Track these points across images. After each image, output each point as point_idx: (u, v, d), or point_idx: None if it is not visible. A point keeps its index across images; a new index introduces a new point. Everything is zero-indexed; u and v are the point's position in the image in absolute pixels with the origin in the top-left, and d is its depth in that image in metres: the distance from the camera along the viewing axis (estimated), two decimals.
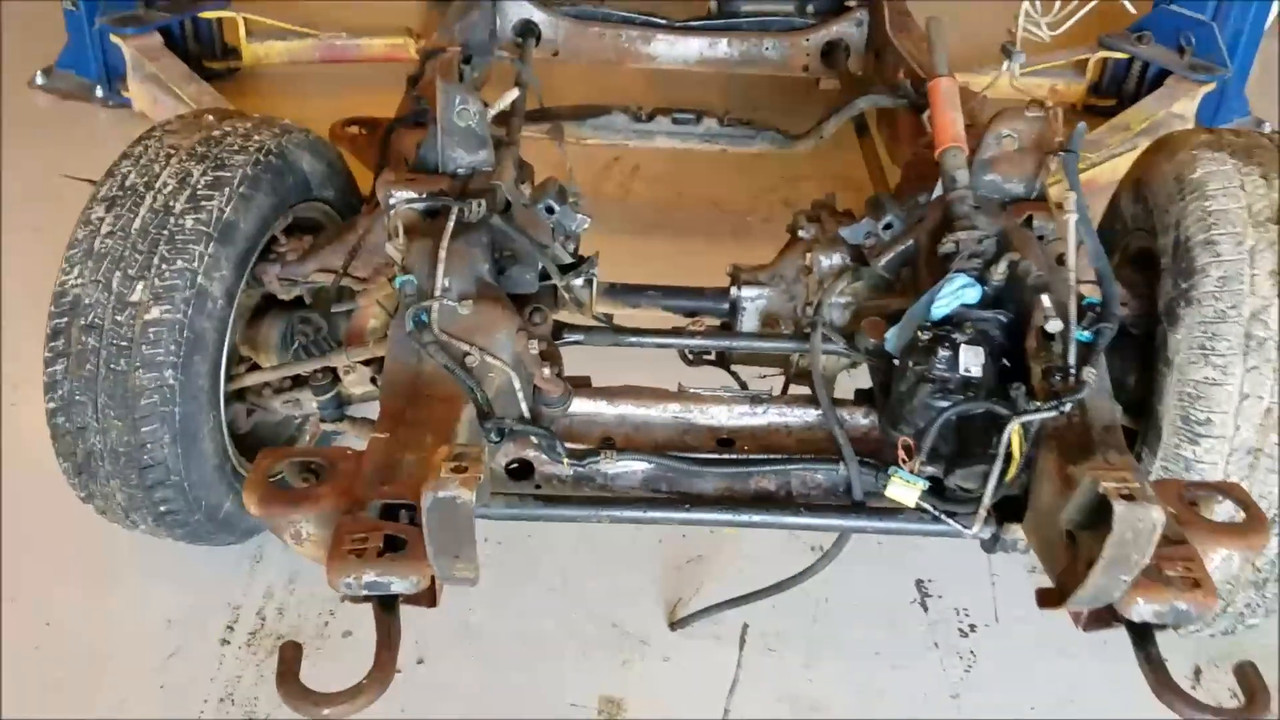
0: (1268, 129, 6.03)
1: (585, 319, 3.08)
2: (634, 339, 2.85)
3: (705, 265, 5.11)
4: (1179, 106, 5.75)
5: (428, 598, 2.01)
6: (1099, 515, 1.98)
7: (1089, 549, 2.04)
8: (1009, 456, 2.31)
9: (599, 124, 4.42)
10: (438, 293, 2.44)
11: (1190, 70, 5.84)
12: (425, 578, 1.92)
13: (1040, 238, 2.81)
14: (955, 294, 2.55)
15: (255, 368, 3.15)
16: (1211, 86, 5.83)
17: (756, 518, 2.57)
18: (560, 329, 2.82)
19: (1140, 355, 2.88)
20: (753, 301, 3.10)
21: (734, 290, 3.10)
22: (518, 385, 2.43)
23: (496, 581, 3.25)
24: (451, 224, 2.56)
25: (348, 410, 2.97)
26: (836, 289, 2.90)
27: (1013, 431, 2.29)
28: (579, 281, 2.96)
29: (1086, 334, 2.43)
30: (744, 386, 3.08)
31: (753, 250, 5.44)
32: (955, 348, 2.43)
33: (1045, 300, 2.41)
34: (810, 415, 2.78)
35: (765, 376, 3.10)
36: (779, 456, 2.68)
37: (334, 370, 2.92)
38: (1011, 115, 2.87)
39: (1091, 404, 2.34)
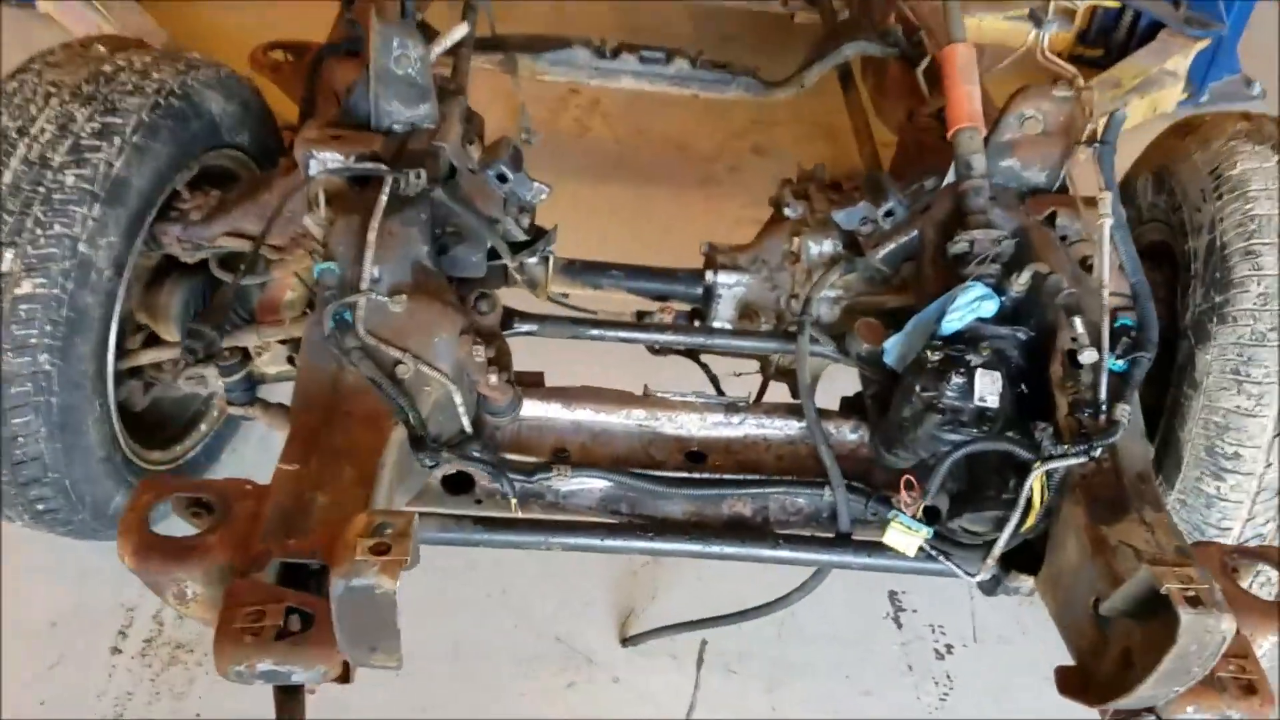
0: (1257, 90, 5.73)
1: (540, 300, 2.71)
2: (595, 331, 2.48)
3: (667, 217, 4.70)
4: (1172, 63, 5.42)
5: (339, 677, 1.65)
6: (1148, 608, 1.66)
7: (1127, 637, 1.74)
8: (1028, 504, 1.99)
9: (557, 58, 3.97)
10: (365, 285, 2.05)
11: (1185, 24, 5.48)
12: (335, 666, 1.56)
13: (1063, 238, 2.47)
14: (970, 306, 2.21)
15: (154, 339, 2.74)
16: (1206, 43, 5.50)
17: (729, 549, 2.24)
18: (510, 317, 2.43)
19: (1156, 368, 2.55)
20: (730, 289, 2.73)
21: (709, 275, 2.73)
22: (459, 400, 2.05)
23: (426, 585, 2.88)
24: (384, 198, 2.15)
25: (260, 393, 2.57)
26: (827, 282, 2.54)
27: (1036, 479, 1.96)
28: (534, 259, 2.57)
29: (1119, 363, 2.10)
30: (716, 383, 2.73)
31: (720, 205, 5.12)
32: (970, 373, 2.09)
33: (1078, 325, 2.07)
34: (792, 427, 2.44)
35: (741, 374, 2.75)
36: (756, 478, 2.34)
37: (245, 348, 2.52)
38: (1036, 93, 2.50)
39: (1123, 447, 2.03)
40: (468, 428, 2.11)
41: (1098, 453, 1.98)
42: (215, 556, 1.69)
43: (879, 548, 2.22)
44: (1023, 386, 2.18)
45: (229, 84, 2.66)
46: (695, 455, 2.41)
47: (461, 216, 2.33)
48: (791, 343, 2.47)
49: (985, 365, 2.11)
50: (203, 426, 2.98)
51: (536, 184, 2.58)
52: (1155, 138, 2.91)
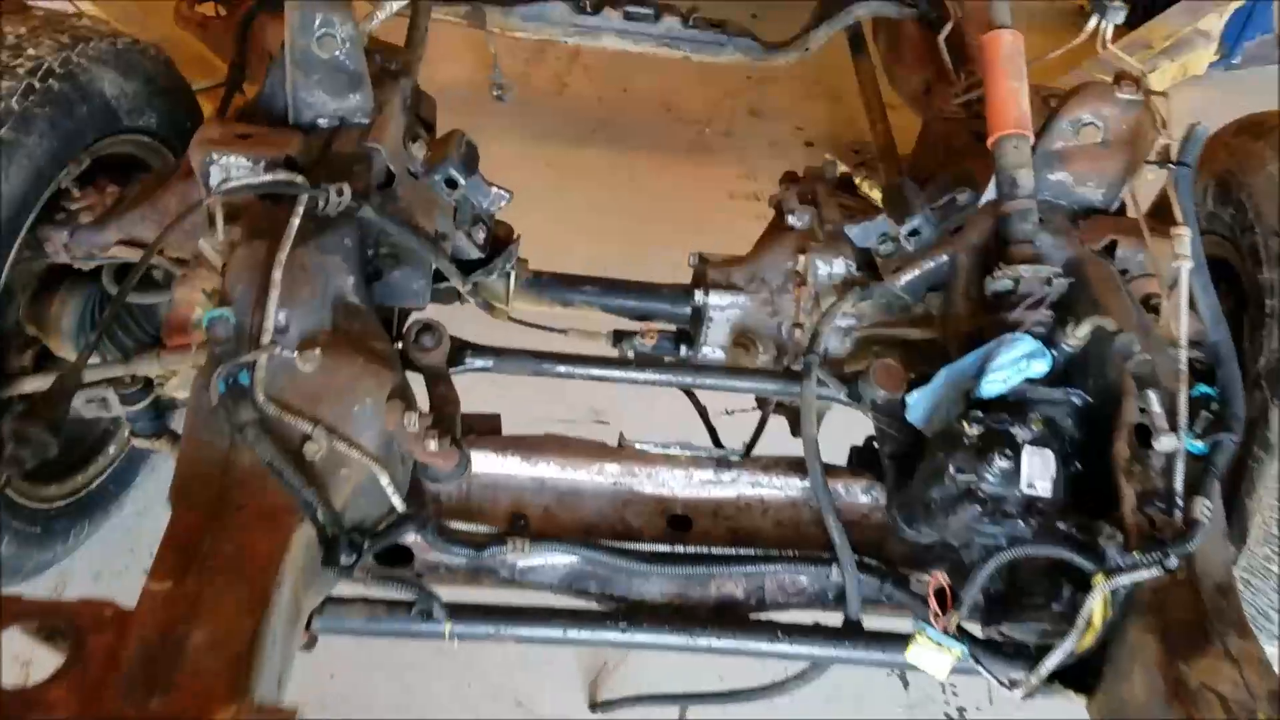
0: None
1: (500, 320, 2.30)
2: (562, 368, 2.07)
3: (653, 188, 4.28)
4: (1205, 22, 5.00)
5: None
6: None
7: None
8: (1087, 622, 1.62)
9: (530, 13, 3.53)
10: (266, 338, 1.63)
11: None
12: None
13: (1123, 271, 2.06)
14: (1016, 365, 1.81)
15: (46, 355, 2.33)
16: (1242, 0, 5.07)
17: (718, 642, 1.87)
18: (461, 351, 2.02)
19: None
20: (722, 311, 2.32)
21: (698, 295, 2.32)
22: (385, 481, 1.65)
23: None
24: (296, 222, 1.73)
25: (170, 420, 2.17)
26: (838, 313, 2.13)
27: (1098, 599, 1.58)
28: (491, 277, 2.16)
29: (1199, 444, 1.72)
30: (705, 416, 2.33)
31: (712, 174, 4.67)
32: (1016, 453, 1.70)
33: (1154, 403, 1.68)
34: (794, 486, 2.06)
35: (733, 413, 2.34)
36: (750, 554, 1.96)
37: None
38: (1096, 94, 2.08)
39: (1202, 552, 1.65)
40: (399, 506, 1.71)
41: (1174, 562, 1.60)
42: (56, 712, 1.30)
43: (895, 640, 1.86)
44: (1077, 465, 1.79)
45: (127, 57, 2.21)
46: (679, 520, 2.03)
47: (398, 236, 1.91)
48: (794, 383, 2.07)
49: (1035, 442, 1.73)
50: (111, 449, 2.58)
51: (495, 189, 2.16)
52: (1220, 132, 2.49)
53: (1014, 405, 1.82)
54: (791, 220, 2.37)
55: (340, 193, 1.79)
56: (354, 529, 1.64)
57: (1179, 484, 1.67)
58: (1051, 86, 2.58)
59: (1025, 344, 1.82)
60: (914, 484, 1.86)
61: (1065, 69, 3.68)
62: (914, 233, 2.16)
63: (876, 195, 3.84)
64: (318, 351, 1.65)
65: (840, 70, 3.88)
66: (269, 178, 1.84)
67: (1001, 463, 1.69)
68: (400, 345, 1.92)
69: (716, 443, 2.35)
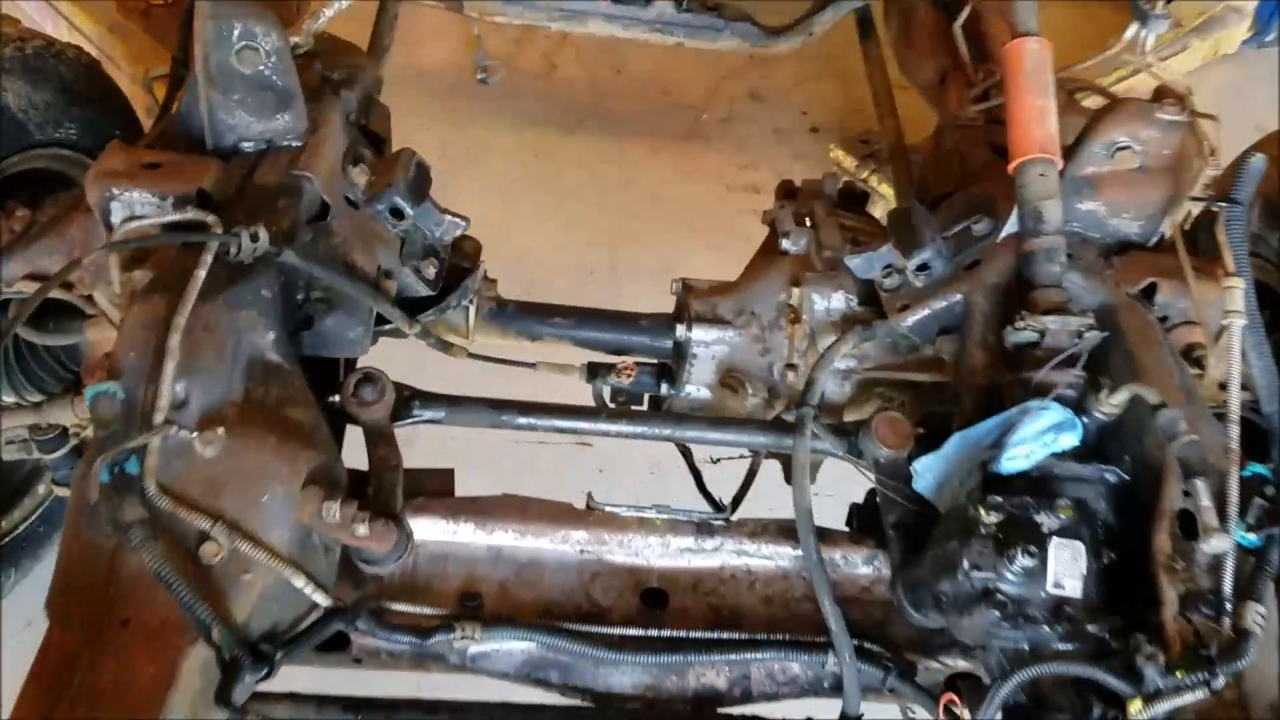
0: None
1: (457, 357, 2.05)
2: (524, 419, 1.83)
3: (647, 180, 3.99)
4: None
5: None
6: None
7: None
8: None
9: None
10: (160, 417, 1.39)
11: None
12: None
13: (1163, 318, 1.81)
14: (1041, 439, 1.56)
15: None
16: None
17: None
18: (408, 401, 1.78)
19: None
20: (707, 348, 2.07)
21: (680, 330, 2.07)
22: (301, 583, 1.41)
23: None
24: (201, 274, 1.48)
25: None
26: (836, 357, 1.88)
27: None
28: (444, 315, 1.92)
29: (1250, 538, 1.47)
30: (694, 470, 2.09)
31: (710, 164, 4.32)
32: (1042, 547, 1.46)
33: (1203, 495, 1.43)
34: (786, 555, 1.84)
35: (719, 460, 2.10)
36: (734, 638, 1.73)
37: None
38: (1133, 114, 1.82)
39: (1254, 671, 1.41)
40: (322, 602, 1.48)
41: (1220, 682, 1.36)
42: None
43: None
44: (1111, 555, 1.55)
45: (36, 64, 1.96)
46: (654, 595, 1.81)
47: (328, 280, 1.66)
48: (787, 435, 1.83)
49: (1063, 532, 1.48)
50: (40, 489, 2.35)
51: (449, 218, 1.91)
52: (1265, 143, 2.23)
53: (1038, 483, 1.57)
54: (785, 244, 2.11)
55: (255, 237, 1.54)
56: (265, 638, 1.40)
57: (1228, 586, 1.43)
58: (1081, 80, 2.31)
59: (1052, 414, 1.57)
60: (922, 567, 1.62)
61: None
62: (923, 267, 1.90)
63: (887, 190, 3.57)
64: (221, 431, 1.40)
65: (849, 48, 3.57)
66: (174, 218, 1.59)
67: (1024, 560, 1.44)
68: (339, 398, 1.68)
69: (706, 495, 2.12)
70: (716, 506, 2.11)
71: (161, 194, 1.63)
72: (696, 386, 2.12)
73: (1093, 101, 2.32)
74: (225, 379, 1.48)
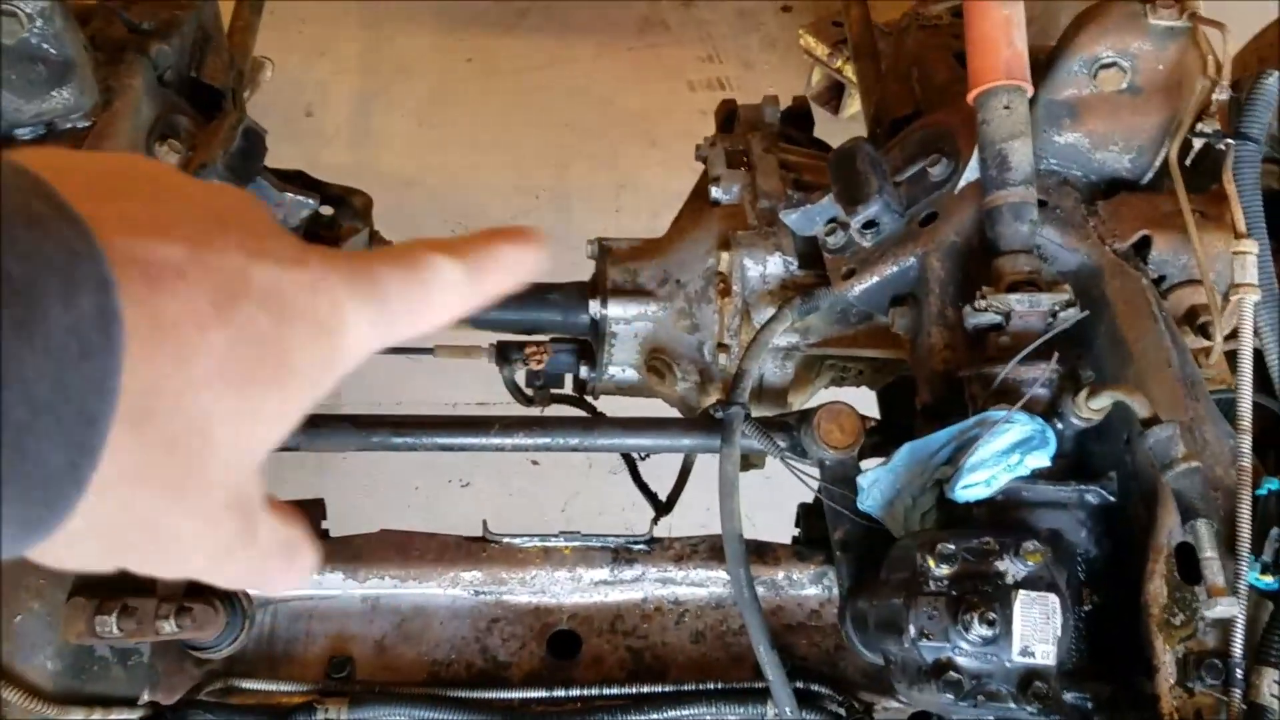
0: None
1: None
2: (400, 438, 1.54)
3: (595, 88, 3.58)
4: None
5: None
6: None
7: None
8: None
9: None
10: None
11: None
12: None
13: (1159, 279, 1.47)
14: (1003, 460, 1.26)
15: None
16: None
17: None
18: None
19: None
20: (628, 325, 1.76)
21: (594, 306, 1.75)
22: (80, 716, 1.14)
23: None
24: None
25: None
26: (770, 339, 1.57)
27: None
28: None
29: (1268, 580, 1.18)
30: (633, 467, 1.81)
31: (669, 62, 3.86)
32: (1006, 604, 1.16)
33: (1205, 544, 1.13)
34: (718, 580, 1.57)
35: (646, 456, 1.80)
36: (658, 691, 1.46)
37: None
38: (1119, 20, 1.45)
39: None
40: (133, 719, 1.21)
41: None
42: None
43: None
44: (1095, 598, 1.26)
45: None
46: (563, 640, 1.54)
47: None
48: (715, 436, 1.53)
49: (1030, 583, 1.18)
50: None
51: (291, 197, 1.58)
52: (1271, 27, 1.86)
53: (1003, 512, 1.27)
54: (715, 193, 1.78)
55: None
56: None
57: (1239, 648, 1.14)
58: None
59: (1017, 429, 1.26)
60: (870, 611, 1.33)
61: None
62: (870, 224, 1.56)
63: None
64: None
65: None
66: None
67: (982, 630, 1.15)
68: None
69: (643, 489, 1.84)
70: (655, 502, 1.85)
71: None
72: (621, 368, 1.82)
73: None
74: None
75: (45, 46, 1.40)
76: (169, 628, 1.20)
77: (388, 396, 2.58)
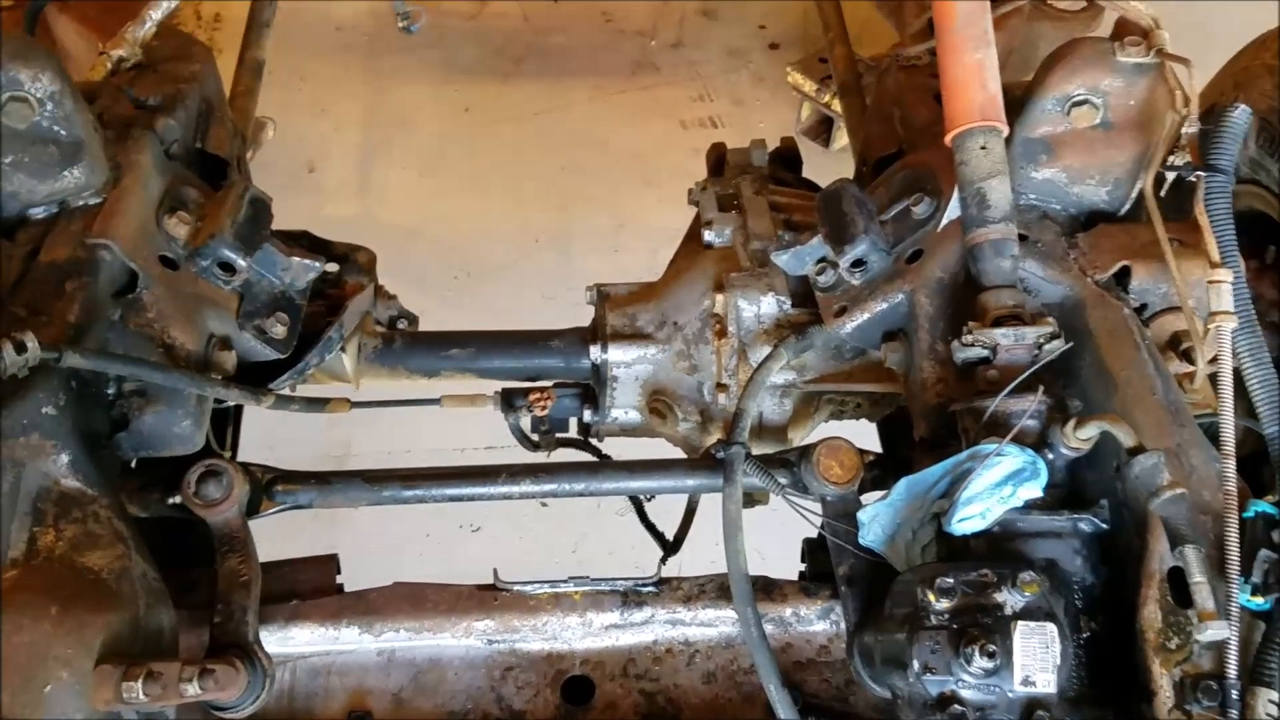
0: None
1: (340, 410, 1.79)
2: (411, 491, 1.58)
3: (592, 129, 3.61)
4: None
5: None
6: None
7: None
8: None
9: None
10: None
11: None
12: None
13: (1141, 307, 1.51)
14: (996, 493, 1.29)
15: None
16: None
17: None
18: (269, 487, 1.53)
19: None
20: (629, 368, 1.80)
21: (596, 351, 1.80)
22: None
23: None
24: None
25: None
26: (767, 377, 1.61)
27: None
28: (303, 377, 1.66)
29: (1259, 601, 1.21)
30: (639, 507, 1.85)
31: (661, 101, 3.96)
32: (1006, 636, 1.19)
33: (1194, 569, 1.17)
34: (727, 620, 1.60)
35: (651, 498, 1.83)
36: None
37: None
38: (1089, 58, 1.50)
39: None
40: None
41: None
42: None
43: None
44: (1093, 625, 1.29)
45: None
46: (577, 686, 1.57)
47: (134, 373, 1.40)
48: (717, 475, 1.56)
49: (1028, 614, 1.21)
50: None
51: (297, 261, 1.62)
52: (1258, 48, 1.91)
53: (1000, 544, 1.31)
54: (709, 236, 1.82)
55: (21, 347, 1.26)
56: None
57: (1233, 669, 1.16)
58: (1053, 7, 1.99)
59: (1009, 462, 1.29)
60: (876, 646, 1.36)
61: None
62: (858, 263, 1.60)
63: None
64: None
65: None
66: None
67: (983, 662, 1.18)
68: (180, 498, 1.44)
69: (650, 529, 1.87)
70: (662, 542, 1.88)
71: None
72: (623, 410, 1.86)
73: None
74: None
75: (56, 129, 1.45)
76: (193, 690, 1.23)
77: (398, 444, 2.62)
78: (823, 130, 3.44)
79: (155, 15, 1.83)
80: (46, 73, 1.43)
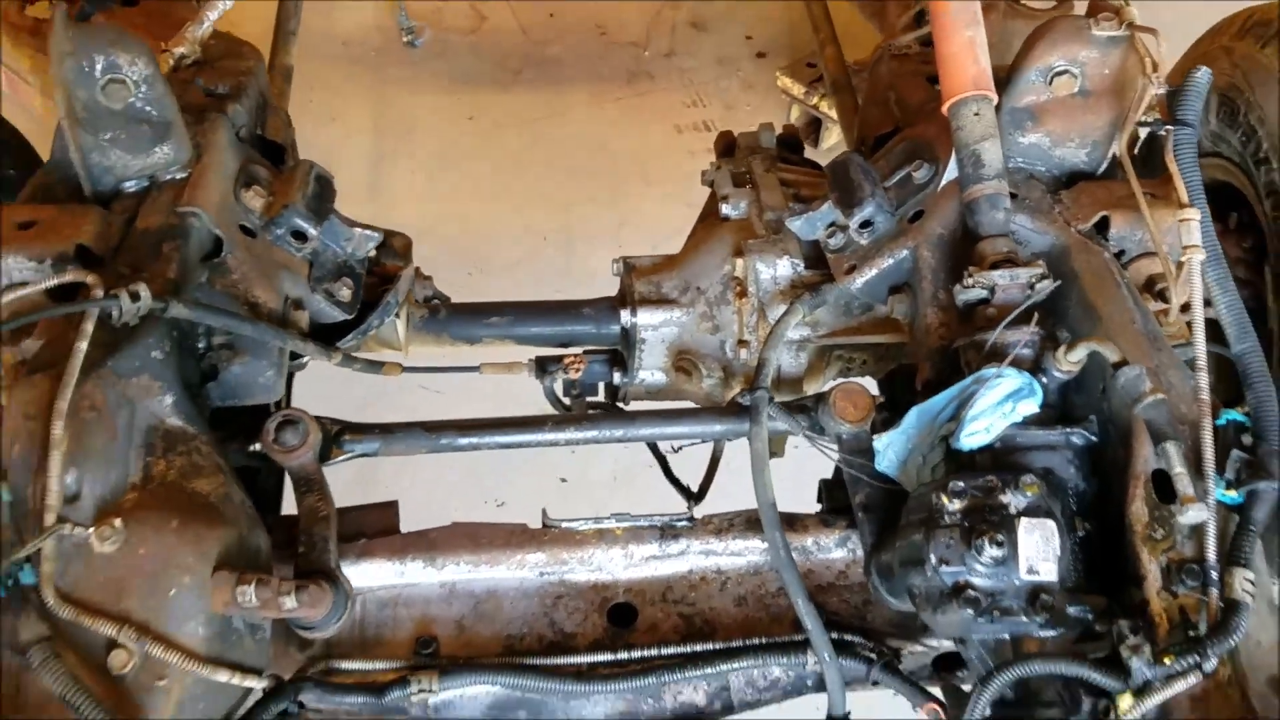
0: None
1: (392, 375, 1.95)
2: (466, 439, 1.73)
3: (589, 132, 3.81)
4: None
5: None
6: None
7: None
8: None
9: None
10: (50, 516, 1.29)
11: None
12: None
13: (1119, 253, 1.70)
14: (998, 410, 1.46)
15: None
16: None
17: None
18: (338, 436, 1.68)
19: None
20: (655, 330, 1.97)
21: (625, 315, 1.96)
22: (224, 677, 1.33)
23: None
24: (83, 346, 1.37)
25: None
26: (786, 330, 1.78)
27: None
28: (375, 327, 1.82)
29: (1233, 494, 1.38)
30: (658, 455, 2.01)
31: (655, 106, 4.17)
32: (1011, 530, 1.36)
33: (1174, 461, 1.34)
34: (755, 549, 1.76)
35: (680, 449, 1.99)
36: (709, 649, 1.65)
37: None
38: (1067, 34, 1.69)
39: (1247, 644, 1.33)
40: (257, 686, 1.39)
41: (1212, 664, 1.28)
42: None
43: None
44: (1086, 526, 1.46)
45: None
46: (621, 611, 1.73)
47: (227, 324, 1.56)
48: (743, 421, 1.72)
49: (1030, 511, 1.38)
50: None
51: (359, 231, 1.79)
52: (1218, 32, 2.10)
53: (1002, 456, 1.48)
54: (725, 210, 2.00)
55: (135, 296, 1.42)
56: None
57: (1212, 554, 1.33)
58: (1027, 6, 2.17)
59: (1008, 382, 1.47)
60: (893, 556, 1.53)
61: None
62: (866, 224, 1.78)
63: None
64: (119, 523, 1.31)
65: None
66: (53, 282, 1.47)
67: (993, 550, 1.35)
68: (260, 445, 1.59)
69: (675, 483, 2.03)
70: (686, 494, 2.03)
71: (39, 256, 1.51)
72: (650, 371, 2.02)
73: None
74: (120, 461, 1.38)
75: (148, 109, 1.62)
76: (290, 603, 1.38)
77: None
78: (811, 131, 3.63)
79: (212, 16, 1.98)
80: (141, 59, 1.59)
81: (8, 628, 1.25)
